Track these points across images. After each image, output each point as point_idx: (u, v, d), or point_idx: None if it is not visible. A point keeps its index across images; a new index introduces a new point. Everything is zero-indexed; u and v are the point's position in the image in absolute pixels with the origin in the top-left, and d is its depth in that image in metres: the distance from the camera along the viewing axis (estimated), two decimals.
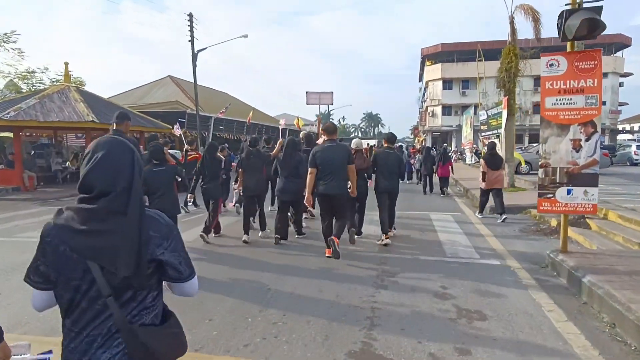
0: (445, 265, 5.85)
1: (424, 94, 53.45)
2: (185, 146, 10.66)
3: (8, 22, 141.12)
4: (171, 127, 20.46)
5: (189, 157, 10.05)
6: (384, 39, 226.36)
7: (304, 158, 7.02)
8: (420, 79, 58.53)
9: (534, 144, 23.53)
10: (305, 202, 6.34)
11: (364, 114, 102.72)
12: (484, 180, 9.12)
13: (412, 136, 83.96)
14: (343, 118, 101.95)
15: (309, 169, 6.11)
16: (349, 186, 6.24)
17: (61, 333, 1.51)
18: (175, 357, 1.56)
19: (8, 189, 14.59)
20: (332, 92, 47.02)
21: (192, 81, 23.38)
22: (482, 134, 20.61)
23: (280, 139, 8.73)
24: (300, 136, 9.94)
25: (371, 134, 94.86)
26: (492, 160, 9.10)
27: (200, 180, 7.49)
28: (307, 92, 45.00)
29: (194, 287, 1.61)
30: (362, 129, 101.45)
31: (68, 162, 19.13)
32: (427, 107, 48.14)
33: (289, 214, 7.47)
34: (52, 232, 1.44)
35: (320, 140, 7.89)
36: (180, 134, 13.31)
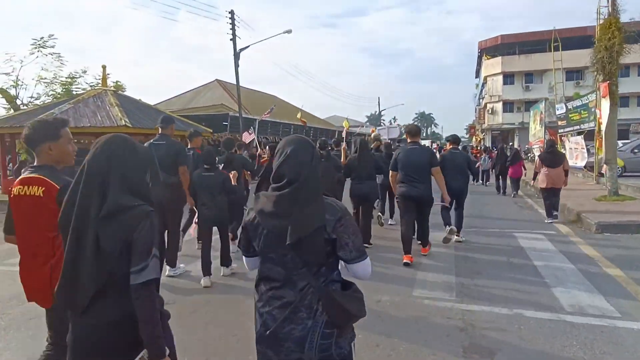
0: (570, 332, 3.66)
1: (481, 91, 49.80)
2: (259, 151, 10.66)
3: (74, 36, 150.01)
4: (211, 131, 19.22)
5: (261, 161, 9.75)
6: (435, 37, 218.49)
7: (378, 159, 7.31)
8: (477, 75, 54.73)
9: (626, 141, 20.10)
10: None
11: (416, 114, 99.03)
12: (534, 179, 8.87)
13: (467, 135, 79.55)
14: (394, 119, 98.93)
15: (390, 172, 6.01)
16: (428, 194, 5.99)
17: None
18: (359, 318, 1.73)
19: None
20: (399, 125, 45.71)
21: (241, 85, 22.08)
22: (561, 130, 17.63)
23: (343, 144, 8.35)
24: (371, 138, 9.56)
25: (424, 134, 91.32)
26: (551, 158, 8.60)
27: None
28: (378, 130, 43.11)
29: (364, 269, 1.76)
30: None
31: None
32: (485, 104, 44.62)
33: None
34: (252, 214, 1.76)
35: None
36: (253, 140, 12.69)
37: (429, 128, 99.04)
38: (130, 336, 1.66)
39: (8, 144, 15.80)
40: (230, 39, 21.32)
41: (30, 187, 2.24)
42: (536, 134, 25.82)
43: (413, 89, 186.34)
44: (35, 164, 2.34)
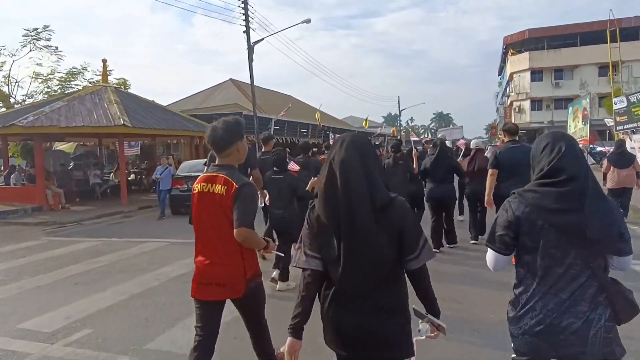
0: None
1: (506, 89, 47.00)
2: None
3: (90, 42, 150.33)
4: None
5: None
6: (450, 37, 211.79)
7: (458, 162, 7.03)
8: (501, 72, 51.91)
9: None
10: (486, 204, 5.78)
11: (433, 114, 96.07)
12: (603, 180, 8.26)
13: (487, 135, 76.39)
14: (411, 119, 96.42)
15: (490, 170, 5.61)
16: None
17: None
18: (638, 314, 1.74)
19: (27, 209, 11.85)
20: (462, 126, 44.00)
21: (256, 85, 20.03)
22: (620, 127, 15.18)
23: (414, 151, 7.74)
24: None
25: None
26: (619, 160, 8.15)
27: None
28: (441, 132, 40.95)
29: (630, 263, 1.74)
30: (433, 130, 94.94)
31: (111, 174, 16.45)
32: (511, 102, 41.86)
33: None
34: (526, 210, 1.72)
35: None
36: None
37: None
38: (400, 322, 1.73)
39: None
40: (244, 31, 19.29)
41: (215, 185, 2.37)
42: (577, 132, 23.26)
43: (428, 89, 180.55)
44: (218, 163, 2.46)
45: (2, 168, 14.84)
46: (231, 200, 2.29)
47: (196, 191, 2.43)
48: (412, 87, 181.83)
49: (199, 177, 2.45)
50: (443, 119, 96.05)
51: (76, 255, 7.18)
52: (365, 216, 1.62)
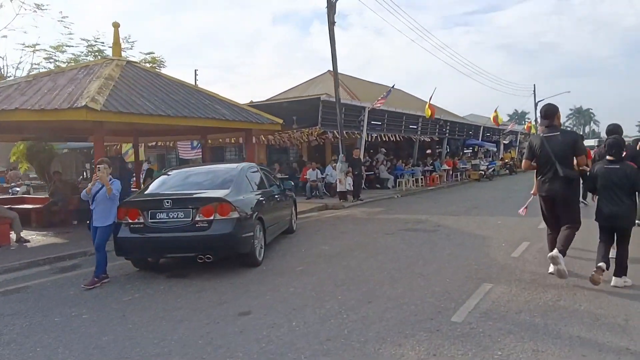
0: None
1: None
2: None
3: (221, 56, 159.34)
4: (282, 121, 11.24)
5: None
6: (587, 27, 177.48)
7: None
8: None
9: None
10: None
11: (570, 110, 79.56)
12: None
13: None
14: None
15: None
16: None
17: None
18: None
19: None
20: None
21: (355, 76, 14.09)
22: None
23: None
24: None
25: (586, 134, 73.18)
26: None
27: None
28: None
29: None
30: (569, 128, 78.88)
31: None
32: None
33: None
34: None
35: None
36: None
37: (587, 126, 79.10)
38: None
39: None
40: None
41: None
42: None
43: (561, 85, 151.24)
44: None
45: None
46: None
47: None
48: (541, 83, 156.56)
49: None
50: (583, 116, 79.29)
51: None
52: None
